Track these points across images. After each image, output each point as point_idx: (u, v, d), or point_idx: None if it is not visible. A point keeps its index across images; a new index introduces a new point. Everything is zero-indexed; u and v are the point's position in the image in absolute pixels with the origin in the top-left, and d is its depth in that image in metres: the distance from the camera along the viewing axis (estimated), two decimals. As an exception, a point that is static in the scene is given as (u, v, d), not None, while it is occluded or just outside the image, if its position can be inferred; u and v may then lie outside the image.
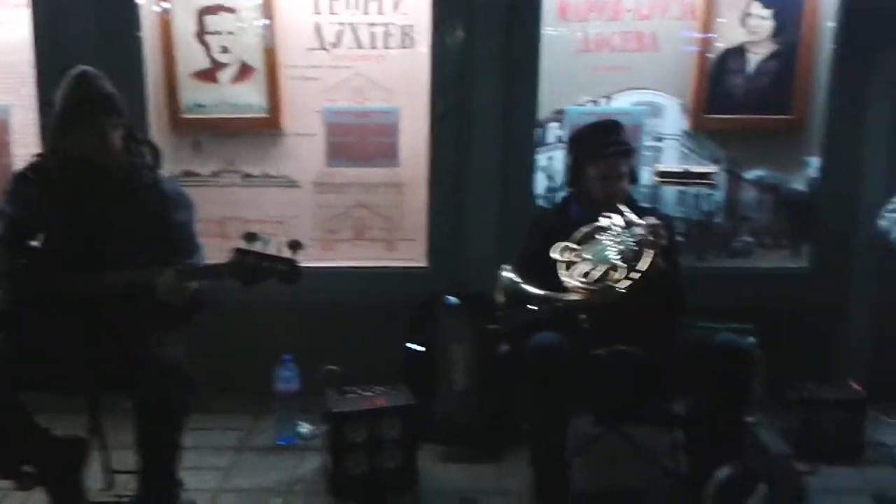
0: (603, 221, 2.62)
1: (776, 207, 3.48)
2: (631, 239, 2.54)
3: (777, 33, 3.29)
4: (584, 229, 2.63)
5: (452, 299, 3.22)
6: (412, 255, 3.52)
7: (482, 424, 3.14)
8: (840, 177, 3.37)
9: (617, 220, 2.61)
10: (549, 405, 2.59)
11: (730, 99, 3.37)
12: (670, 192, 3.45)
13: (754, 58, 3.33)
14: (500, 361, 2.90)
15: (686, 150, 3.44)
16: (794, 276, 3.47)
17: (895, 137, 3.30)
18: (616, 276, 2.49)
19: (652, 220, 2.57)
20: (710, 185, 3.40)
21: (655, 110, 3.41)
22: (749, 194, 3.48)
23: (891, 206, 2.92)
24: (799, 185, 3.47)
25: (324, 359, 3.10)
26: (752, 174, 3.46)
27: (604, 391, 2.69)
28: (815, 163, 3.43)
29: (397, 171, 3.48)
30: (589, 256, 2.56)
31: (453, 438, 3.12)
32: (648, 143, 3.40)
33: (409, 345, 3.23)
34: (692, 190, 3.44)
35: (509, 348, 2.74)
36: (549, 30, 3.26)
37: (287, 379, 3.14)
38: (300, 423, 3.21)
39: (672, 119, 3.41)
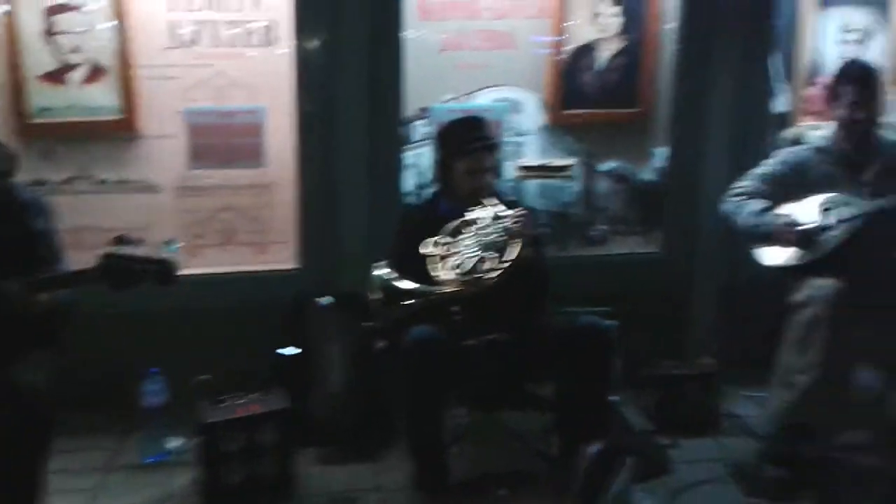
0: (471, 215, 2.71)
1: (628, 197, 3.69)
2: (499, 230, 2.64)
3: (625, 30, 3.49)
4: (454, 223, 2.70)
5: (325, 299, 3.21)
6: (283, 257, 3.49)
7: (359, 424, 3.16)
8: (685, 166, 3.61)
9: (485, 212, 2.70)
10: (427, 397, 2.66)
11: (583, 94, 3.55)
12: (532, 185, 3.59)
13: (604, 54, 3.51)
14: (375, 358, 2.94)
15: (545, 145, 3.58)
16: (647, 260, 3.70)
17: (735, 127, 3.56)
18: (486, 266, 2.58)
19: (519, 212, 2.68)
20: (569, 178, 3.56)
21: (515, 107, 3.53)
22: (603, 185, 3.67)
23: (733, 191, 3.16)
24: (648, 174, 3.68)
25: (195, 369, 3.03)
26: (605, 166, 3.65)
27: (478, 379, 2.77)
28: (661, 153, 3.65)
29: (264, 172, 3.44)
30: (459, 249, 2.64)
31: (331, 440, 3.12)
32: (509, 138, 3.52)
33: (281, 348, 3.20)
34: (552, 182, 3.59)
35: (386, 344, 2.78)
36: (411, 29, 3.31)
37: (154, 393, 3.03)
38: (169, 437, 3.10)
39: (531, 115, 3.55)
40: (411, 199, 3.44)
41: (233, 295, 3.35)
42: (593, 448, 2.43)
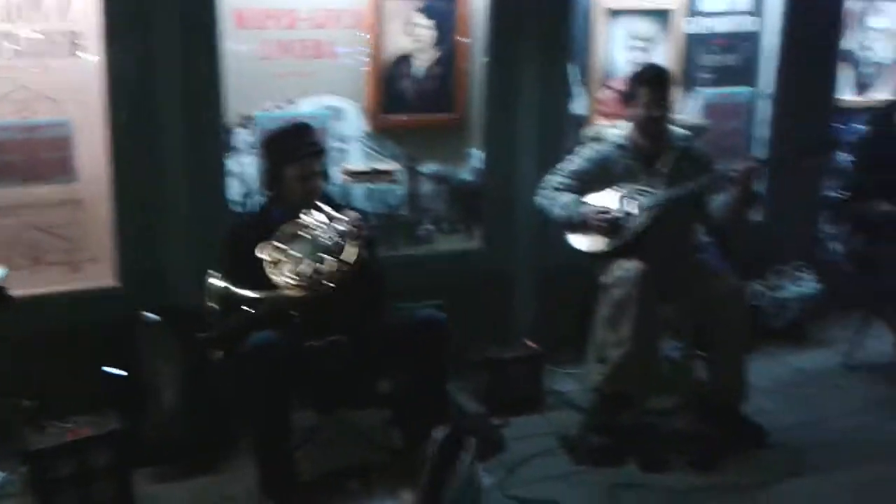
0: (304, 219, 2.75)
1: (450, 197, 3.87)
2: (333, 233, 2.70)
3: (438, 41, 3.66)
4: (288, 228, 2.73)
5: (152, 316, 3.12)
6: (100, 275, 3.34)
7: (197, 437, 3.09)
8: (498, 165, 3.85)
9: (317, 216, 2.75)
10: (270, 402, 2.67)
11: (403, 100, 3.68)
12: (359, 188, 3.67)
13: (421, 63, 3.67)
14: (212, 370, 2.90)
15: (369, 150, 3.69)
16: (470, 255, 3.90)
17: (541, 128, 3.84)
18: (324, 268, 2.63)
19: (352, 214, 2.76)
20: (394, 181, 3.68)
21: (337, 114, 3.60)
22: (427, 187, 3.83)
23: (545, 186, 3.42)
24: (466, 175, 3.88)
25: (14, 397, 2.85)
26: (427, 168, 3.81)
27: (320, 381, 2.81)
28: (477, 155, 3.87)
29: (75, 188, 3.28)
30: (295, 253, 2.68)
31: (169, 457, 3.04)
32: (334, 144, 3.59)
33: (108, 369, 3.07)
34: (378, 186, 3.69)
35: (223, 354, 2.75)
36: (229, 38, 3.29)
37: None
38: (-7, 471, 2.89)
39: (353, 121, 3.64)
40: (238, 208, 3.42)
41: (49, 317, 3.17)
42: (439, 433, 2.54)
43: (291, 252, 2.68)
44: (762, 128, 4.38)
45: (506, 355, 3.48)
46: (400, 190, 3.77)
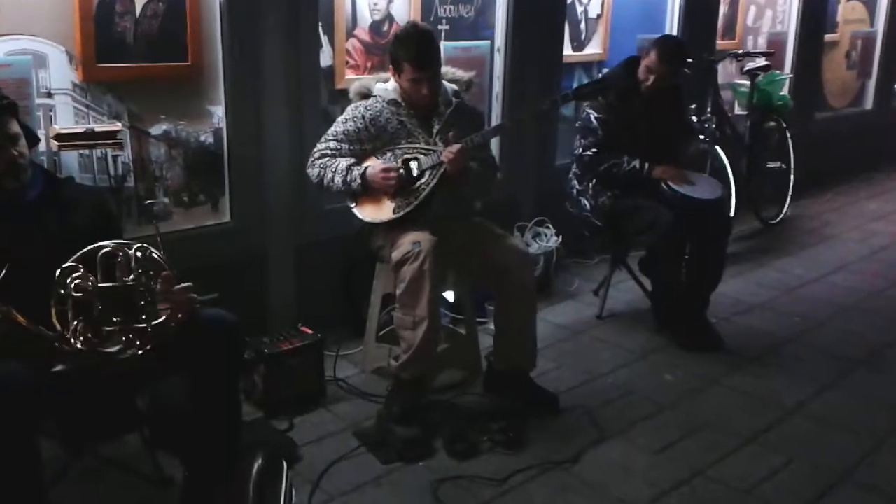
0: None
1: (188, 163, 3.26)
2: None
3: (165, -28, 3.00)
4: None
5: None
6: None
7: None
8: (244, 125, 3.31)
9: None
10: (13, 438, 1.97)
11: (123, 45, 2.98)
12: (72, 157, 2.92)
13: (142, -2, 2.99)
14: None
15: (82, 107, 2.94)
16: (217, 232, 3.34)
17: (289, 81, 3.37)
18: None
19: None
20: (117, 145, 2.97)
21: (39, 60, 2.80)
22: (158, 151, 3.18)
23: (316, 153, 3.02)
24: (206, 136, 3.30)
25: None
26: (158, 129, 3.16)
27: (74, 409, 2.18)
28: (218, 112, 3.30)
29: None
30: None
31: None
32: (39, 100, 2.80)
33: None
34: (98, 152, 2.97)
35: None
36: None
37: None
38: None
39: (60, 70, 2.86)
40: None
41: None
42: (257, 462, 2.08)
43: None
44: (498, 83, 4.34)
45: (280, 347, 3.01)
46: (125, 156, 3.07)
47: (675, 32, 5.15)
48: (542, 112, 3.87)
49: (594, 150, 3.70)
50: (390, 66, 3.02)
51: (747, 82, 5.36)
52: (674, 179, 3.64)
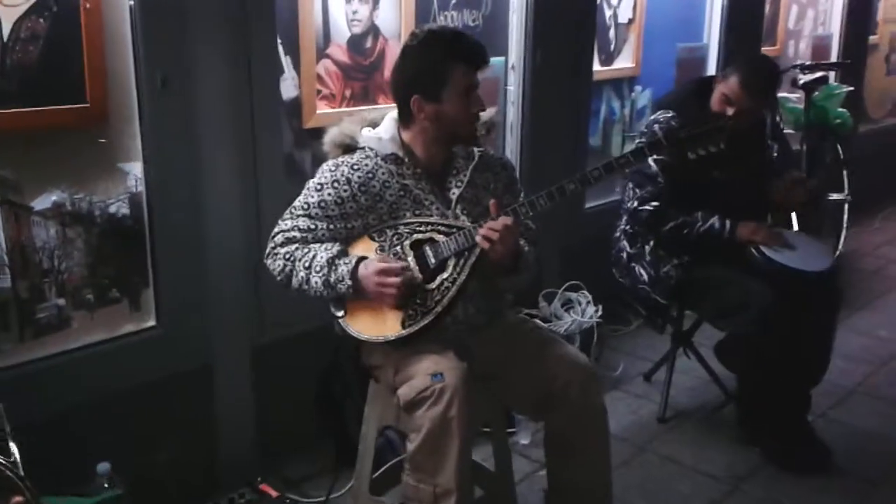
0: None
1: (91, 246, 2.26)
2: None
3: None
4: None
5: None
6: None
7: None
8: (174, 187, 2.33)
9: None
10: None
11: (-17, 83, 1.99)
12: None
13: (17, 20, 1.99)
14: None
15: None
16: (142, 342, 2.35)
17: (238, 123, 2.39)
18: None
19: None
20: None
21: None
22: (45, 232, 2.18)
23: (277, 239, 2.04)
24: (120, 206, 2.29)
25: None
26: (44, 201, 2.16)
27: None
28: (135, 171, 2.30)
29: None
30: None
31: None
32: None
33: None
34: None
35: None
36: None
37: None
38: None
39: None
40: None
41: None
42: None
43: None
44: (513, 109, 3.37)
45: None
46: (-8, 243, 2.07)
47: (717, 38, 4.24)
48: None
49: (654, 203, 2.77)
50: (415, 99, 2.01)
51: (794, 96, 4.48)
52: (767, 242, 2.71)
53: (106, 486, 2.03)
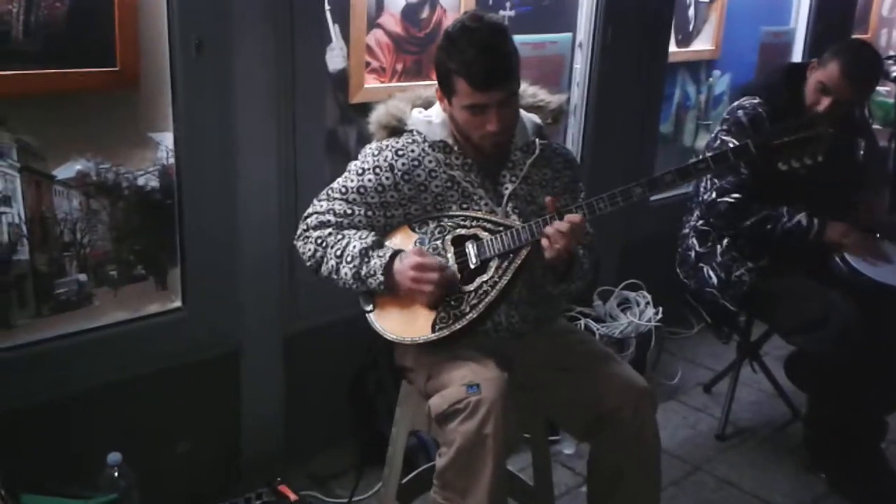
0: None
1: (117, 220, 2.12)
2: None
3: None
4: None
5: None
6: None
7: None
8: (207, 161, 2.18)
9: None
10: None
11: (3, 43, 1.84)
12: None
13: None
14: None
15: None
16: (167, 324, 2.22)
17: (280, 96, 2.22)
18: None
19: None
20: (-4, 200, 1.84)
21: None
22: (68, 203, 2.04)
23: (309, 222, 1.87)
24: (149, 179, 2.15)
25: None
26: (68, 170, 2.02)
27: None
28: (166, 141, 2.15)
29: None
30: None
31: None
32: None
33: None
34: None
35: None
36: None
37: None
38: None
39: None
40: None
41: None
42: None
43: None
44: (578, 91, 3.13)
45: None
46: (12, 214, 1.94)
47: (804, 23, 3.91)
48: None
49: (736, 195, 2.51)
50: (437, 87, 1.85)
51: (884, 89, 4.14)
52: (856, 249, 2.44)
53: (116, 475, 1.91)
